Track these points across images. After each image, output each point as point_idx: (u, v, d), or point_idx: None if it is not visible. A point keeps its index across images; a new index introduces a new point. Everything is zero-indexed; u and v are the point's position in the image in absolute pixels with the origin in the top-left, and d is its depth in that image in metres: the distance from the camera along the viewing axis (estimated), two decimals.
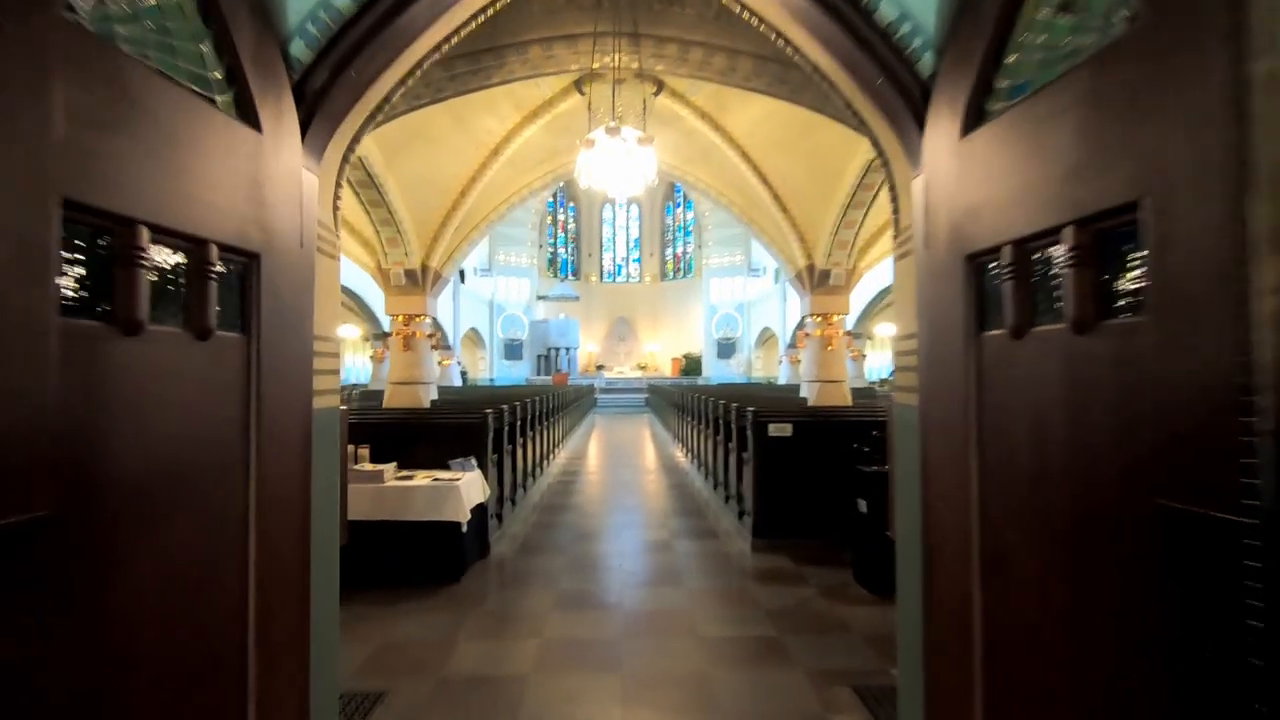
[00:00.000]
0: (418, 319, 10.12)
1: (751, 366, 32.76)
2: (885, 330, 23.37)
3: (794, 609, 4.53)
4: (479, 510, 5.98)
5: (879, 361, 27.07)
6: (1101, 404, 1.40)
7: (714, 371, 33.40)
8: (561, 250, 38.16)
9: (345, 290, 18.23)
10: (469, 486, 5.70)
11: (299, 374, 2.03)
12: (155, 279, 1.48)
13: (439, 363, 28.79)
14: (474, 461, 6.19)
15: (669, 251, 38.65)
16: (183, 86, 1.54)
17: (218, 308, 1.62)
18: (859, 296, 19.02)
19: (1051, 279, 1.59)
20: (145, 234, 1.39)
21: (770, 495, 6.37)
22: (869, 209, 9.31)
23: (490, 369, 32.71)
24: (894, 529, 2.75)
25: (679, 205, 37.88)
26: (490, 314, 32.74)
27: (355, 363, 28.40)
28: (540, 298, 34.28)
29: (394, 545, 5.39)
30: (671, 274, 38.58)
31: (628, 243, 39.55)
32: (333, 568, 2.50)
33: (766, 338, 31.56)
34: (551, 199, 36.21)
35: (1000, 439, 1.73)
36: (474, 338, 31.67)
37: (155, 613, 1.42)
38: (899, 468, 2.67)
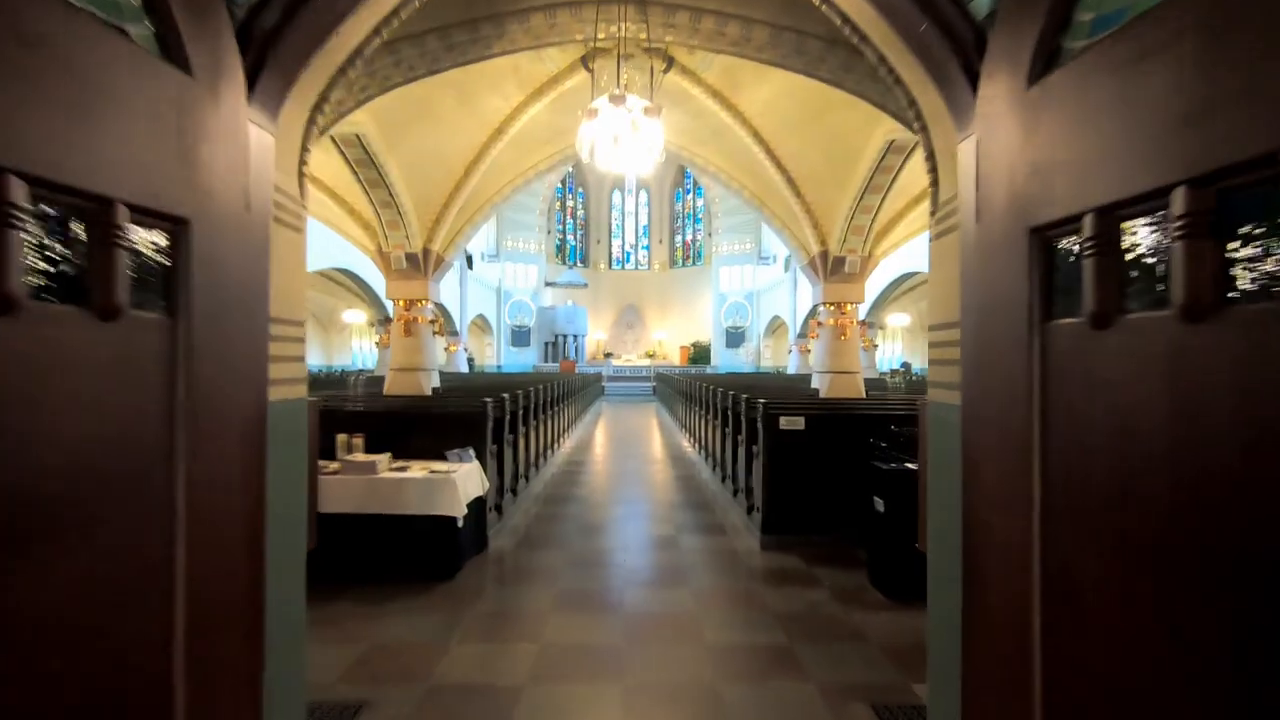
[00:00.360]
0: (419, 304, 9.86)
1: (760, 356, 32.41)
2: (898, 320, 22.95)
3: (806, 614, 4.27)
4: (477, 504, 5.74)
5: (890, 352, 26.65)
6: (1220, 411, 1.10)
7: (722, 360, 33.09)
8: (570, 236, 37.83)
9: (349, 274, 18.01)
10: (465, 479, 5.46)
11: (248, 361, 1.76)
12: (46, 245, 1.21)
13: (445, 349, 28.62)
14: (472, 453, 5.95)
15: (678, 238, 38.23)
16: (81, 9, 1.26)
17: (133, 281, 1.35)
18: (872, 285, 18.63)
19: (1148, 255, 1.29)
20: (21, 188, 1.11)
21: (781, 490, 6.09)
22: (886, 193, 8.94)
23: (498, 356, 32.54)
24: (924, 539, 2.47)
25: (689, 192, 37.41)
26: (498, 300, 32.51)
27: (362, 347, 28.27)
28: (548, 284, 34.02)
29: (386, 540, 5.16)
30: (680, 261, 38.20)
31: (636, 229, 39.15)
32: (297, 576, 2.24)
33: (776, 326, 31.19)
34: (560, 184, 35.83)
35: (1073, 447, 1.44)
36: (481, 324, 31.47)
37: (46, 645, 1.16)
38: (933, 473, 2.38)
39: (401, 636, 3.88)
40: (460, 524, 5.27)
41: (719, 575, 5.13)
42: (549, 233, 35.29)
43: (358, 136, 7.81)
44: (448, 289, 25.69)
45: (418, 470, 5.39)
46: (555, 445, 10.61)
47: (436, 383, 10.26)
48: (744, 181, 10.18)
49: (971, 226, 1.84)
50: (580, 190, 38.24)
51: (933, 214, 2.28)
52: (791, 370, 27.40)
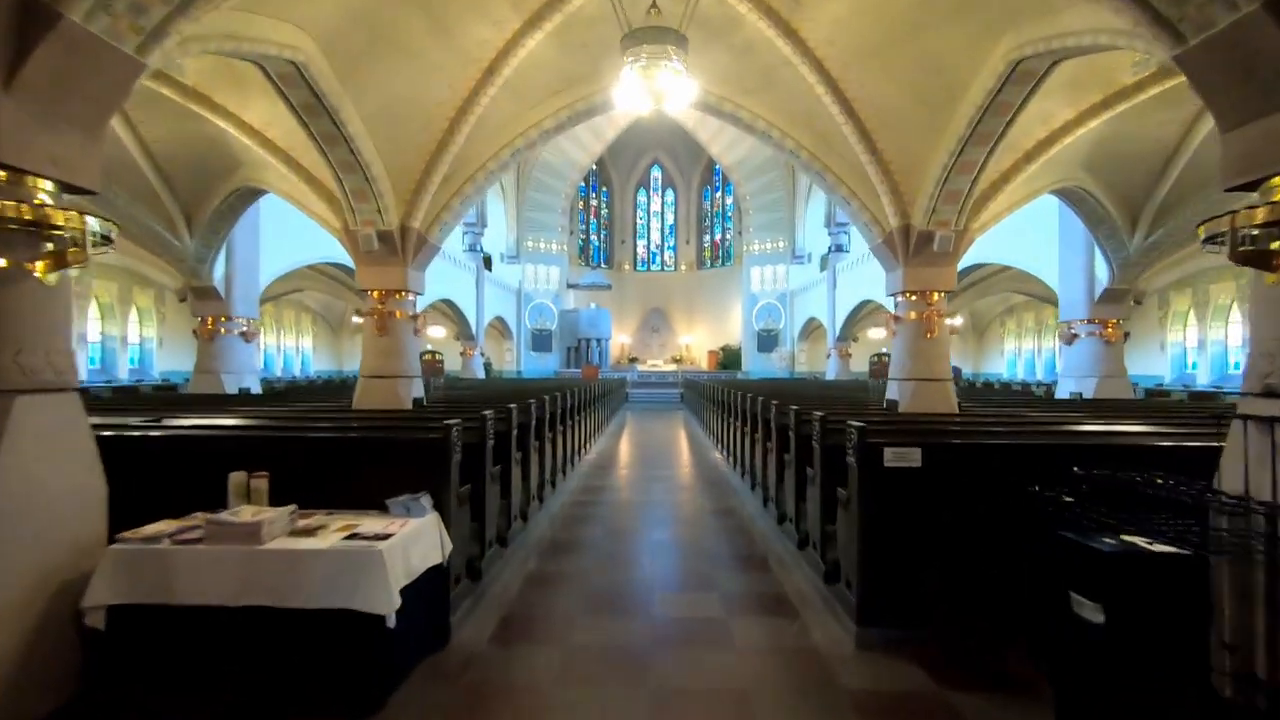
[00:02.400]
0: (397, 295, 7.89)
1: (795, 360, 29.98)
2: (949, 321, 20.36)
3: None
4: (432, 576, 3.69)
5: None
6: None
7: (754, 366, 30.73)
8: (593, 237, 35.86)
9: (337, 265, 15.97)
10: (406, 547, 3.40)
11: None
12: None
13: (461, 353, 26.80)
14: (427, 501, 3.88)
15: (706, 238, 36.01)
16: None
17: None
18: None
19: None
20: None
21: (885, 559, 3.88)
22: (997, 143, 6.68)
23: (517, 361, 30.64)
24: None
25: (717, 189, 35.20)
26: (518, 303, 30.64)
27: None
28: (570, 286, 32.07)
29: (273, 648, 3.12)
30: (709, 262, 35.95)
31: (663, 229, 37.03)
32: None
33: (812, 329, 28.74)
34: (583, 183, 33.92)
35: None
36: (500, 327, 29.62)
37: None
38: None
39: None
40: (392, 622, 3.17)
41: (793, 701, 2.97)
42: (571, 233, 33.35)
43: (297, 69, 5.81)
44: (462, 290, 23.83)
45: (334, 533, 3.34)
46: (569, 465, 8.56)
47: (420, 392, 8.25)
48: (799, 136, 7.99)
49: None
50: (604, 189, 36.28)
51: None
52: (830, 376, 24.97)
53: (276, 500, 3.58)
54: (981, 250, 14.76)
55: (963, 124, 6.58)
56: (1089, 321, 11.44)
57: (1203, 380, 15.71)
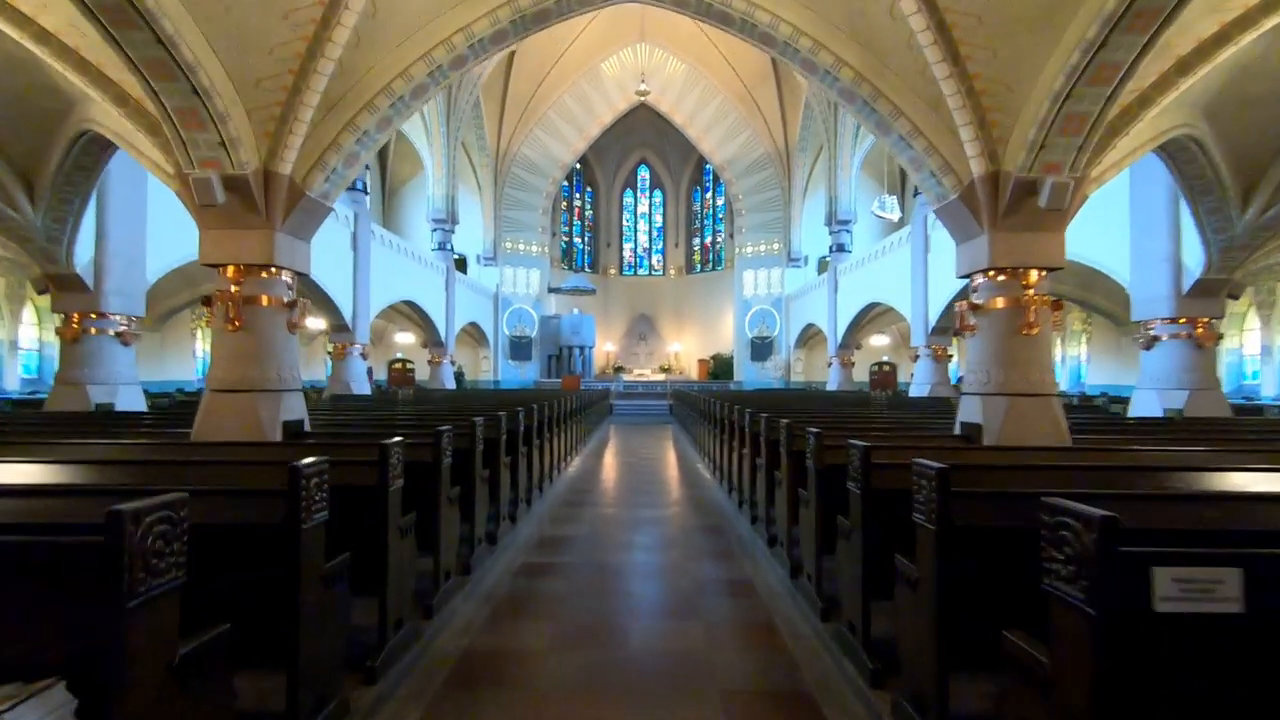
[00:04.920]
0: (262, 273, 5.33)
1: (791, 370, 27.56)
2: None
3: None
4: None
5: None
6: None
7: (747, 375, 28.26)
8: (577, 239, 33.37)
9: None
10: None
11: None
12: None
13: (429, 361, 24.06)
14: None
15: (696, 241, 33.62)
16: None
17: None
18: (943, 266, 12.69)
19: None
20: None
21: None
22: (1145, 48, 4.25)
23: (494, 369, 27.96)
24: None
25: (708, 190, 32.88)
26: (495, 308, 28.00)
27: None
28: (552, 290, 29.49)
29: None
30: (699, 266, 33.53)
31: (650, 231, 34.61)
32: None
33: (810, 336, 26.34)
34: (566, 182, 31.45)
35: None
36: (475, 334, 26.95)
37: None
38: None
39: None
40: None
41: None
42: (553, 235, 30.80)
43: None
44: (429, 291, 21.16)
45: None
46: (525, 502, 5.98)
47: (301, 413, 5.66)
48: (840, 50, 5.52)
49: None
50: (589, 189, 33.85)
51: None
52: (832, 386, 22.55)
53: None
54: None
55: (1092, 24, 4.15)
56: (1174, 321, 9.06)
57: (1269, 392, 13.46)
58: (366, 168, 16.71)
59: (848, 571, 3.33)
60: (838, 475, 3.54)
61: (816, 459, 3.90)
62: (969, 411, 5.49)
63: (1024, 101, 4.89)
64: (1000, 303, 5.34)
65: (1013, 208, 5.17)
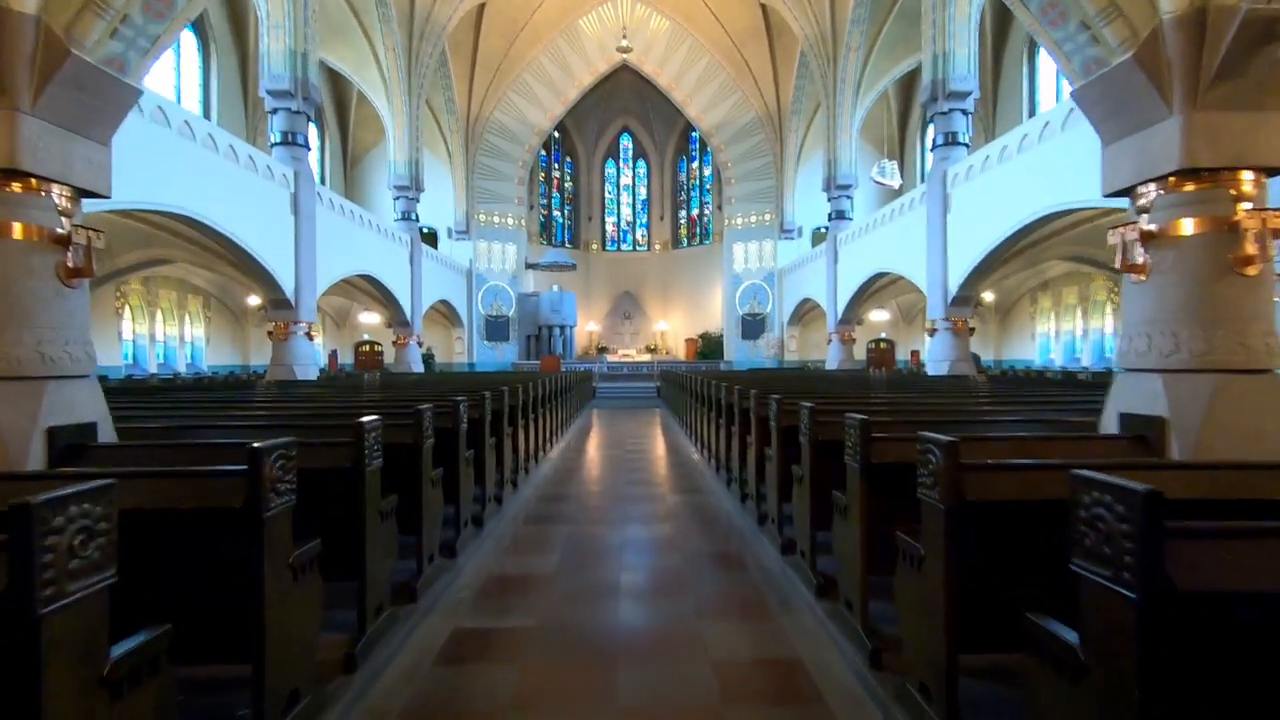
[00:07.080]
0: (9, 186, 3.20)
1: (785, 348, 25.68)
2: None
3: None
4: None
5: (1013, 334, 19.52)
6: None
7: (738, 355, 26.34)
8: (556, 212, 31.02)
9: (229, 240, 10.39)
10: None
11: None
12: None
13: (394, 343, 21.64)
14: None
15: (682, 214, 31.42)
16: None
17: None
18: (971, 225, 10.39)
19: None
20: None
21: None
22: None
23: (469, 351, 25.75)
24: None
25: (694, 159, 30.64)
26: (469, 285, 25.72)
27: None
28: (530, 266, 27.22)
29: None
30: (685, 240, 31.37)
31: (634, 204, 32.34)
32: None
33: (806, 311, 24.40)
34: (544, 151, 29.02)
35: None
36: (447, 313, 24.66)
37: None
38: None
39: None
40: None
41: None
42: (531, 207, 28.42)
43: None
44: (394, 265, 18.80)
45: None
46: (488, 503, 3.96)
47: (94, 413, 3.54)
48: None
49: None
50: (569, 159, 31.43)
51: None
52: (831, 365, 20.68)
53: None
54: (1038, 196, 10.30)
55: None
56: None
57: None
58: (308, 119, 14.23)
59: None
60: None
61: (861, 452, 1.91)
62: (1136, 397, 3.52)
63: None
64: (1194, 226, 3.36)
65: (1229, 69, 3.16)
